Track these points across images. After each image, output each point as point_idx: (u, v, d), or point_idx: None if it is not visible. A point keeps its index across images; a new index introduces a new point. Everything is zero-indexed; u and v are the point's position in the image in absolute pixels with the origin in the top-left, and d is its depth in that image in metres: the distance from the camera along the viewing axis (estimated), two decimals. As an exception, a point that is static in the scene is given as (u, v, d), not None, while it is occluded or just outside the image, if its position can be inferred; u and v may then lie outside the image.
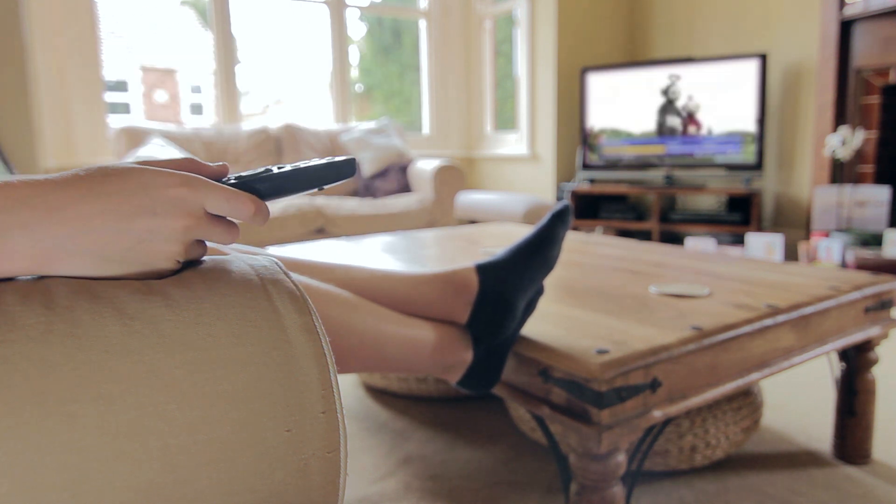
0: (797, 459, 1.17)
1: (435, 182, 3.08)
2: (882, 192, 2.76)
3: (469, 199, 3.65)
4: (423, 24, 4.24)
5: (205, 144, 3.04)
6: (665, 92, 3.39)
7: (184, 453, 0.31)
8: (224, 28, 3.48)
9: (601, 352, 0.73)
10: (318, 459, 0.35)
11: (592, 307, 0.93)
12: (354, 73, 4.13)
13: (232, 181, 0.41)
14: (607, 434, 0.70)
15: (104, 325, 0.32)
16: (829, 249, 2.65)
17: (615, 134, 3.55)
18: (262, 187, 0.41)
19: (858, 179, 2.93)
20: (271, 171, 0.42)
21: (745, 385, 0.86)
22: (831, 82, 2.91)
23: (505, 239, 1.62)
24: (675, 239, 3.56)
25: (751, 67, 3.12)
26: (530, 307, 0.81)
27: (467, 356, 0.76)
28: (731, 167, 3.25)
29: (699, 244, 3.05)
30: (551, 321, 0.86)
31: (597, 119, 3.59)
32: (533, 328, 0.83)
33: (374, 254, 1.39)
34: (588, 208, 3.64)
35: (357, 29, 4.09)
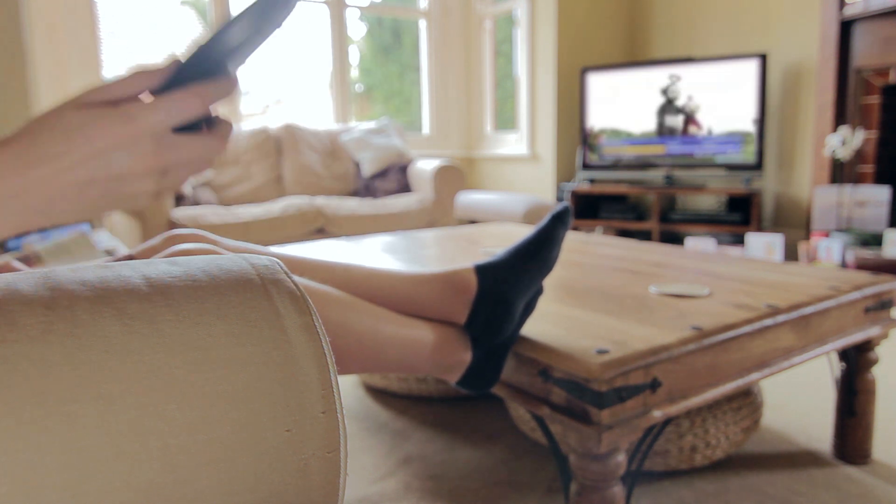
0: (797, 459, 1.17)
1: (435, 182, 3.08)
2: (882, 192, 2.76)
3: (469, 199, 3.65)
4: (423, 24, 4.24)
5: (205, 144, 3.04)
6: (665, 92, 3.39)
7: (184, 453, 0.31)
8: (224, 28, 3.48)
9: (601, 352, 0.73)
10: (318, 459, 0.35)
11: (592, 307, 0.93)
12: (354, 73, 4.13)
13: (182, 63, 0.37)
14: (607, 434, 0.70)
15: (104, 325, 0.32)
16: (829, 249, 2.65)
17: (615, 134, 3.55)
18: (212, 57, 0.37)
19: (858, 179, 2.93)
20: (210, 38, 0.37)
21: (745, 385, 0.86)
22: (831, 82, 2.91)
23: (505, 239, 1.62)
24: (675, 239, 3.56)
25: (751, 67, 3.12)
26: (529, 307, 0.81)
27: (466, 357, 0.76)
28: (731, 167, 3.25)
29: (699, 244, 3.05)
30: (551, 321, 0.86)
31: (597, 119, 3.59)
32: (533, 328, 0.83)
33: (374, 254, 1.39)
34: (588, 208, 3.64)
35: (357, 29, 4.09)
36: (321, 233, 2.85)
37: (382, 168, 3.26)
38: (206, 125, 0.39)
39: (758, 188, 3.14)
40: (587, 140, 3.63)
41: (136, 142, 0.35)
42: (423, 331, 0.74)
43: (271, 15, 0.38)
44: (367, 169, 3.24)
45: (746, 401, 1.14)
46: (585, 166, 3.66)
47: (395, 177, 3.26)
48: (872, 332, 1.08)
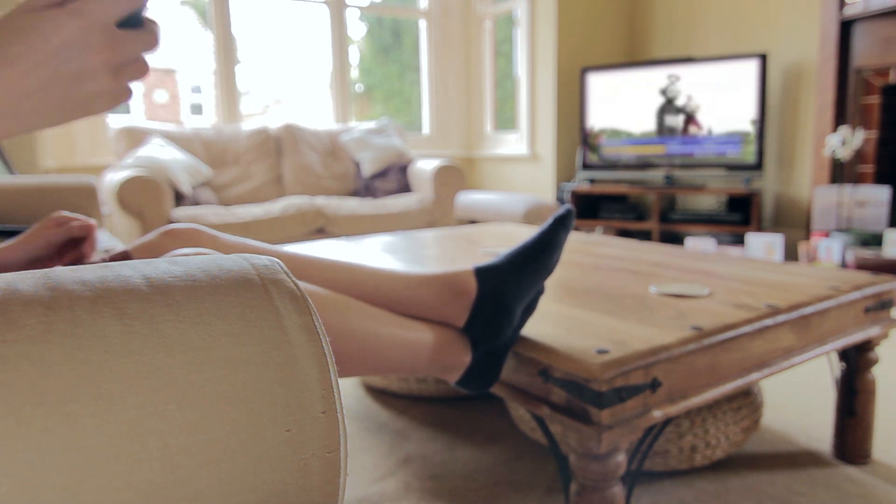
0: (797, 459, 1.17)
1: (435, 182, 3.08)
2: (882, 192, 2.76)
3: (469, 199, 3.65)
4: (423, 24, 4.24)
5: (204, 144, 3.04)
6: (665, 92, 3.39)
7: (184, 453, 0.31)
8: (224, 28, 3.48)
9: (601, 352, 0.73)
10: (318, 459, 0.35)
11: (592, 307, 0.93)
12: (354, 73, 4.13)
13: None
14: (607, 434, 0.70)
15: (104, 325, 0.32)
16: (829, 249, 2.65)
17: (615, 134, 3.55)
18: None
19: (858, 179, 2.93)
20: None
21: (745, 385, 0.86)
22: (831, 82, 2.91)
23: (505, 239, 1.62)
24: (675, 239, 3.56)
25: (751, 67, 3.12)
26: (530, 309, 0.80)
27: (466, 358, 0.76)
28: (731, 167, 3.25)
29: (699, 244, 3.05)
30: (551, 321, 0.86)
31: (597, 119, 3.59)
32: (533, 328, 0.83)
33: (374, 254, 1.39)
34: (588, 208, 3.64)
35: (357, 29, 4.09)
36: (321, 233, 2.85)
37: (382, 168, 3.26)
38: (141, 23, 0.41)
39: (758, 188, 3.14)
40: (587, 140, 3.63)
41: (87, 35, 0.36)
42: (423, 332, 0.74)
43: None
44: (367, 169, 3.24)
45: (746, 401, 1.14)
46: (585, 166, 3.66)
47: (395, 177, 3.26)
48: (872, 332, 1.08)
